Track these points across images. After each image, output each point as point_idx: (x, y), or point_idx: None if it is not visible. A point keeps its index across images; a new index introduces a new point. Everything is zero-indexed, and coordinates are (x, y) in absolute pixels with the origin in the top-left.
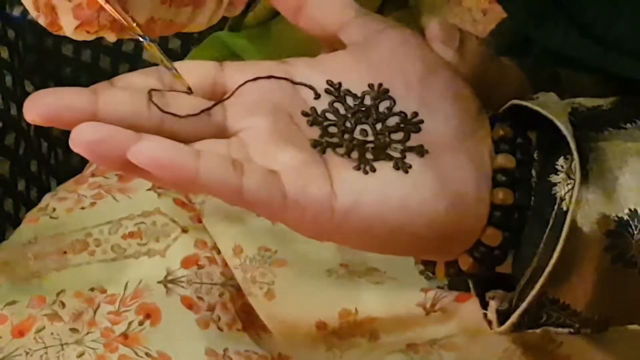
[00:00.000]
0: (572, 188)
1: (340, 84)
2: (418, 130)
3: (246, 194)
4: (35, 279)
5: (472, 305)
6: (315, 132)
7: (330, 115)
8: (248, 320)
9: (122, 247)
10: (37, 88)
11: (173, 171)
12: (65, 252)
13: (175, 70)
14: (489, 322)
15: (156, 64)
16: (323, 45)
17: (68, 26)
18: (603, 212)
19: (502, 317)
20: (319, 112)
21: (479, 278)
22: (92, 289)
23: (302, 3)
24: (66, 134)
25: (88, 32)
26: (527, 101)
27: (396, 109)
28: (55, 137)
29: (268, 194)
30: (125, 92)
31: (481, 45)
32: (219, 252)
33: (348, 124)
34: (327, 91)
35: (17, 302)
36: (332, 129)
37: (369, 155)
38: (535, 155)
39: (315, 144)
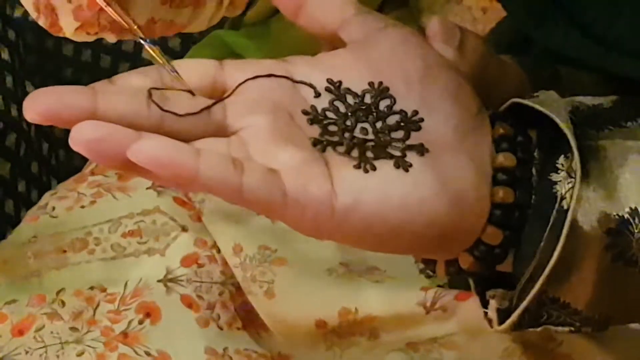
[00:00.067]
0: (573, 186)
1: (340, 82)
2: (418, 128)
3: (246, 192)
4: (35, 278)
5: (472, 304)
6: (315, 131)
7: (330, 114)
8: (248, 319)
9: (121, 246)
10: (37, 88)
11: (173, 170)
12: (65, 251)
13: (177, 73)
14: (490, 321)
15: None
16: (323, 43)
17: (68, 27)
18: (604, 210)
19: (503, 315)
20: (319, 110)
21: (479, 277)
22: (91, 288)
23: (302, 1)
24: (67, 134)
25: (88, 33)
26: (528, 99)
27: (396, 107)
28: (56, 138)
29: (268, 193)
30: (125, 91)
31: (481, 43)
32: (218, 250)
33: (348, 123)
34: (327, 89)
35: (16, 300)
36: (333, 128)
37: (369, 154)
38: (535, 153)
39: (315, 143)
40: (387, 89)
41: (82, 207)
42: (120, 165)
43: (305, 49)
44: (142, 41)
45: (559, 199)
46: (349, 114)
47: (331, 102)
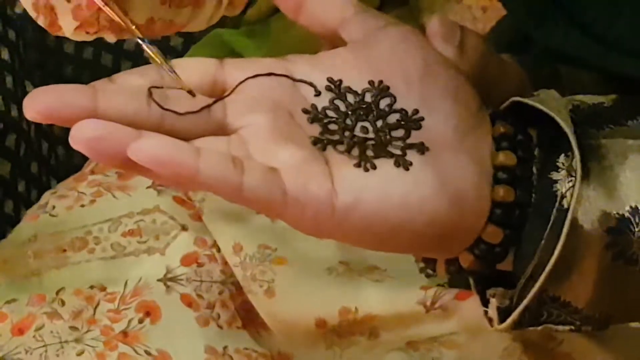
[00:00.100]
0: (573, 185)
1: (340, 81)
2: (419, 127)
3: (246, 191)
4: (35, 277)
5: (472, 302)
6: (315, 130)
7: (330, 113)
8: (248, 318)
9: (121, 245)
10: (38, 87)
11: (173, 168)
12: (64, 250)
13: (175, 73)
14: (490, 320)
15: None
16: (323, 42)
17: (68, 27)
18: (604, 209)
19: (503, 314)
20: (320, 109)
21: (479, 275)
22: (91, 287)
23: (302, 0)
24: (67, 133)
25: (88, 32)
26: (528, 98)
27: (397, 106)
28: (56, 137)
29: (268, 192)
30: (125, 90)
31: (481, 42)
32: (218, 250)
33: (348, 121)
34: (327, 88)
35: (16, 300)
36: (333, 126)
37: (369, 153)
38: (536, 152)
39: (315, 142)
40: (388, 87)
41: (82, 206)
42: (120, 164)
43: (306, 47)
44: (140, 41)
45: (559, 198)
46: (349, 112)
47: (331, 101)
